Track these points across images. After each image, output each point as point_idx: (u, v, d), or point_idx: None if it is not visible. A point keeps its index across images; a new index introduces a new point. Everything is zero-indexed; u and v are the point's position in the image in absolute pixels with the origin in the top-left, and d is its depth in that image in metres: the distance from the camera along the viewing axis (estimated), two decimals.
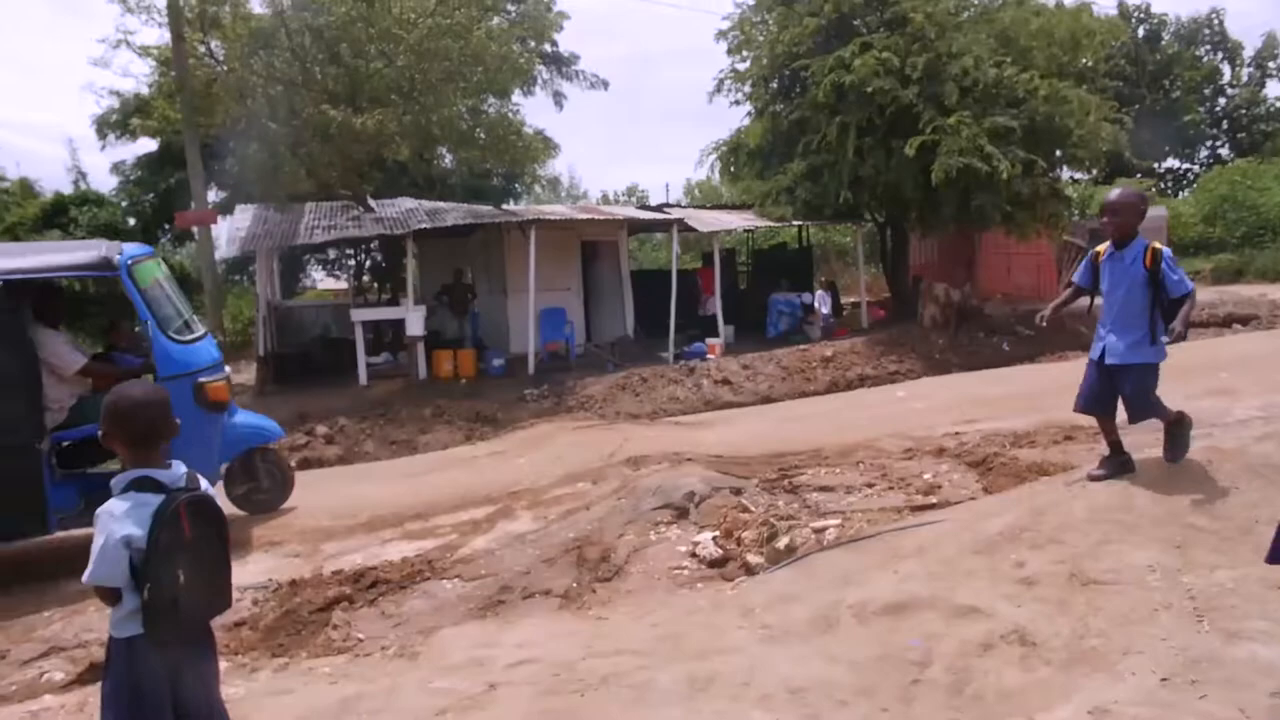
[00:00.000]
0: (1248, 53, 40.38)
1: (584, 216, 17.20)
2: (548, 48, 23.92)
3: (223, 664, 4.24)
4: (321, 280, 33.89)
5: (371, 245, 22.87)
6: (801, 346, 15.45)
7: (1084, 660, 3.14)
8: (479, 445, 10.53)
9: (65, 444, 6.74)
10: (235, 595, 5.56)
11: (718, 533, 5.79)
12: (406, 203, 18.14)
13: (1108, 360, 4.68)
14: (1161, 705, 2.81)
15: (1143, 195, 4.80)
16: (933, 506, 5.31)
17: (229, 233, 17.74)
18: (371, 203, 17.32)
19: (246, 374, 16.90)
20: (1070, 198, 23.22)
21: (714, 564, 5.48)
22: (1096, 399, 4.80)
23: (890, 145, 16.55)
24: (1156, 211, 25.55)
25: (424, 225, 15.67)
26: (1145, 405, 4.67)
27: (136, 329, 7.69)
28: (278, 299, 19.43)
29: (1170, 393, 8.32)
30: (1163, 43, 38.24)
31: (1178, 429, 4.63)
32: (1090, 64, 20.08)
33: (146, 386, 2.79)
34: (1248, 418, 6.94)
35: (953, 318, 16.23)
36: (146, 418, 2.66)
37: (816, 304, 18.35)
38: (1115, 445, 4.80)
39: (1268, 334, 15.13)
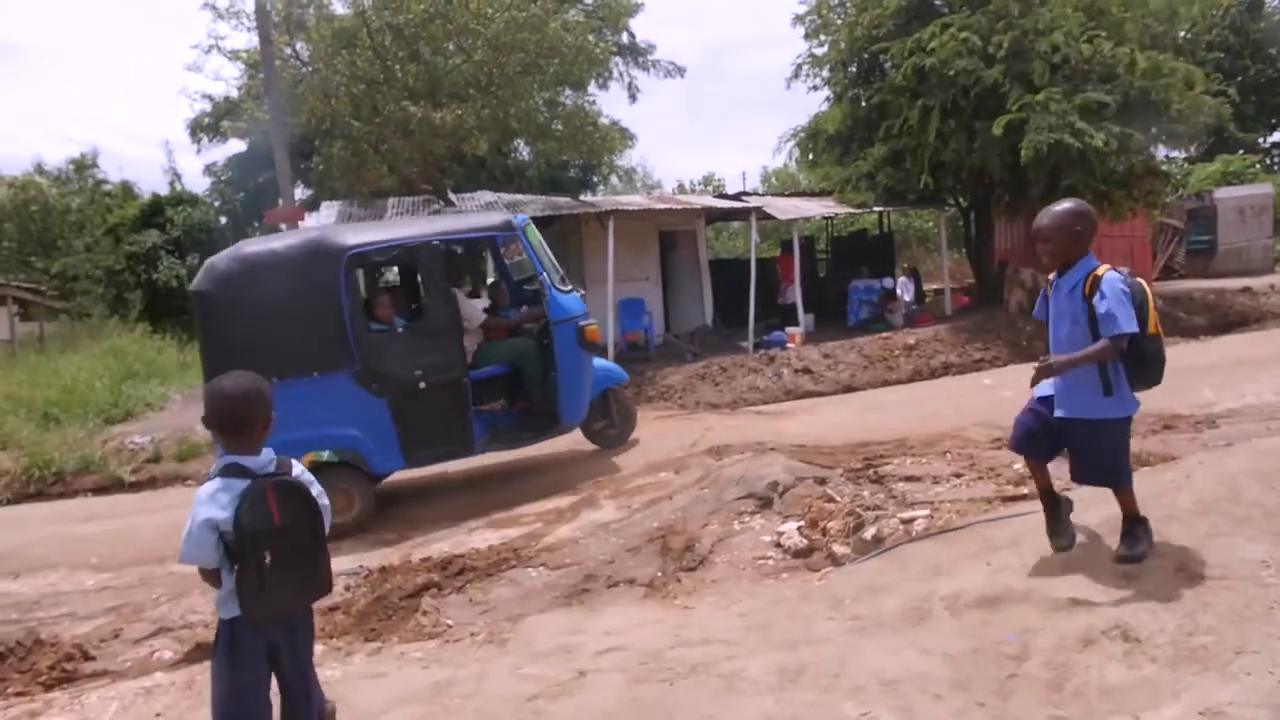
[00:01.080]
0: None
1: (661, 206, 17.18)
2: (623, 38, 23.92)
3: (318, 647, 4.37)
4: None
5: None
6: (883, 334, 15.18)
7: (1193, 658, 3.02)
8: (559, 436, 10.61)
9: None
10: None
11: (802, 523, 5.75)
12: (486, 196, 18.39)
13: (1056, 411, 3.77)
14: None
15: (1081, 211, 3.81)
16: (1024, 497, 5.16)
17: None
18: (452, 197, 17.59)
19: None
20: (1169, 175, 22.30)
21: (799, 554, 5.43)
22: (1030, 439, 3.89)
23: (974, 127, 16.11)
24: (1263, 189, 24.38)
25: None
26: (1098, 470, 3.79)
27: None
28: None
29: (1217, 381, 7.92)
30: (1266, 10, 36.31)
31: (1140, 528, 3.73)
32: (1189, 35, 19.23)
33: (239, 379, 2.90)
34: None
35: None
36: (233, 409, 2.83)
37: (899, 291, 18.01)
38: (1045, 492, 3.88)
39: None
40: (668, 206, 17.03)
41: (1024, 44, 15.73)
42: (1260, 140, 37.12)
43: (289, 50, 15.96)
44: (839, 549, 5.21)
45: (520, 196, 18.61)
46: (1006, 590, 3.59)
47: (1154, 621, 3.26)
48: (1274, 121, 37.28)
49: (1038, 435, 3.86)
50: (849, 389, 12.69)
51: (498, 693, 3.45)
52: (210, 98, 22.77)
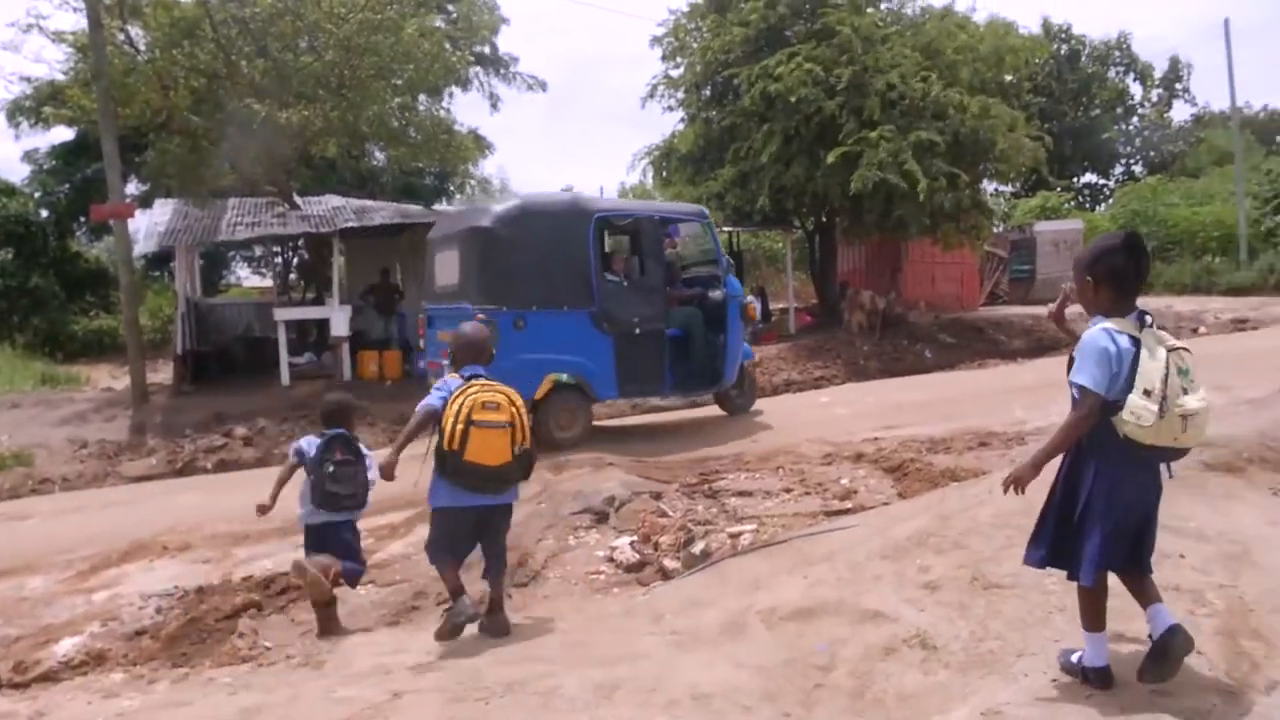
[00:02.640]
0: (1159, 73, 42.00)
1: None
2: (485, 49, 23.76)
3: (119, 676, 4.13)
4: (247, 278, 33.16)
5: (298, 243, 22.41)
6: None
7: (981, 663, 3.22)
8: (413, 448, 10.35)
9: None
10: (137, 604, 5.45)
11: (636, 537, 5.81)
12: (334, 200, 17.82)
13: None
14: (1049, 703, 2.90)
15: (483, 329, 4.38)
16: (847, 512, 5.40)
17: (147, 227, 17.24)
18: (297, 200, 16.96)
19: (164, 372, 16.43)
20: (992, 210, 23.86)
21: (631, 569, 5.49)
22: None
23: (816, 154, 16.80)
24: (1075, 224, 26.50)
25: (351, 224, 15.42)
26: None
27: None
28: (198, 296, 18.94)
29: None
30: (1081, 62, 39.53)
31: None
32: (1014, 80, 20.65)
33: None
34: None
35: (878, 325, 16.55)
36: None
37: None
38: None
39: None
40: None
41: (863, 79, 16.53)
42: (1075, 180, 40.31)
43: (122, 36, 15.00)
44: (670, 563, 5.30)
45: (370, 203, 18.12)
46: (820, 602, 3.73)
47: (950, 629, 3.45)
48: (1086, 164, 40.54)
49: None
50: (693, 404, 12.92)
51: (308, 717, 3.33)
52: (30, 80, 21.14)
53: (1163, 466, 3.00)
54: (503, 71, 25.10)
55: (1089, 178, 42.21)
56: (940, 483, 6.00)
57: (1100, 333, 2.85)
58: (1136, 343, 2.80)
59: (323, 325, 15.41)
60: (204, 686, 3.80)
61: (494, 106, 24.87)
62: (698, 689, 3.14)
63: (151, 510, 8.26)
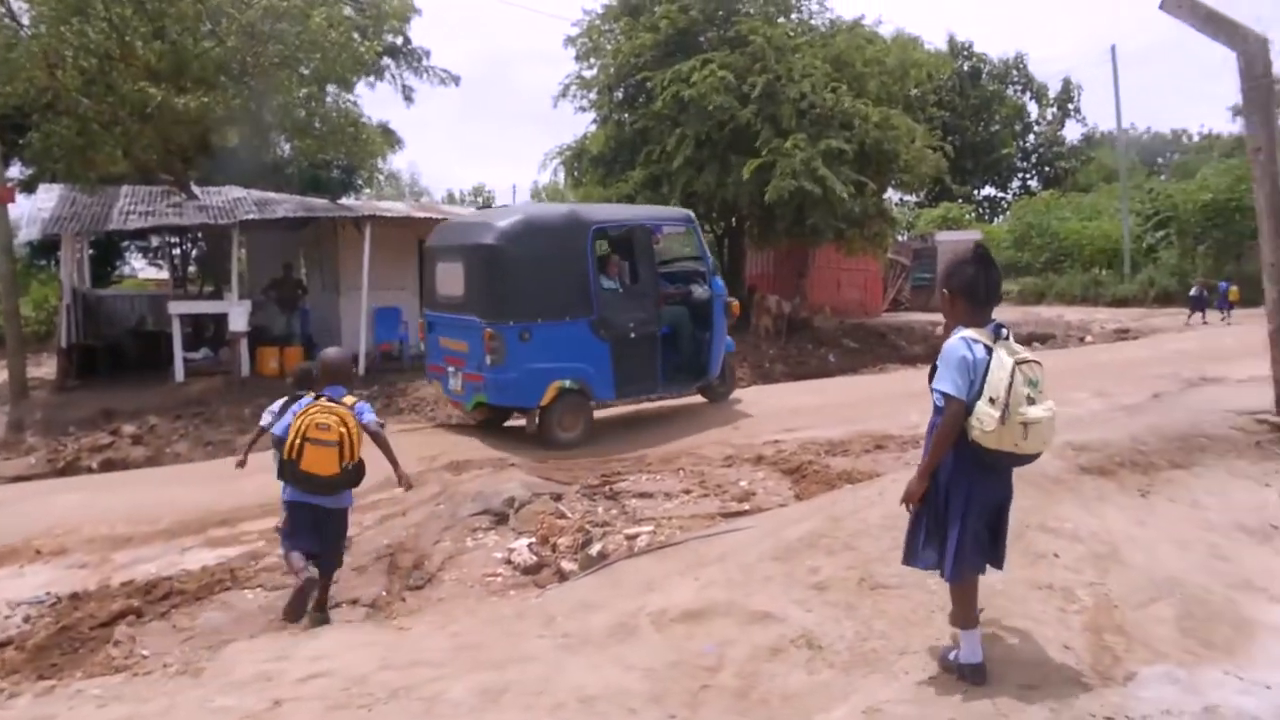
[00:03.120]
0: (1053, 93, 43.85)
1: (422, 215, 16.81)
2: (397, 40, 23.28)
3: None
4: (142, 269, 31.83)
5: (198, 234, 21.61)
6: None
7: (864, 661, 3.29)
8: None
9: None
10: (3, 613, 5.15)
11: (534, 539, 5.77)
12: (234, 191, 17.23)
13: None
14: (927, 703, 2.97)
15: (345, 357, 5.19)
16: (744, 513, 5.46)
17: (30, 213, 16.39)
18: (195, 189, 16.34)
19: (48, 367, 15.65)
20: (896, 218, 24.52)
21: (529, 571, 5.45)
22: None
23: (728, 160, 16.99)
24: (972, 235, 27.37)
25: (251, 216, 14.93)
26: None
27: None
28: (86, 287, 18.09)
29: None
30: (982, 80, 40.98)
31: None
32: (919, 94, 21.27)
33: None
34: None
35: (783, 329, 16.82)
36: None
37: None
38: None
39: (1063, 352, 16.41)
40: (428, 215, 16.68)
41: (776, 88, 16.79)
42: (976, 192, 41.76)
43: (2, 9, 14.21)
44: (567, 565, 5.27)
45: (273, 195, 17.58)
46: (710, 604, 3.76)
47: (836, 629, 3.52)
48: (986, 177, 42.05)
49: None
50: (602, 405, 12.91)
51: None
52: None
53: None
54: (415, 65, 24.64)
55: (989, 190, 43.83)
56: (837, 485, 6.12)
57: (960, 341, 3.01)
58: (990, 352, 2.95)
59: (220, 320, 14.88)
60: (70, 699, 3.60)
61: (407, 100, 24.39)
62: (584, 692, 3.13)
63: (28, 512, 7.83)
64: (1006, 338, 3.01)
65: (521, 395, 8.72)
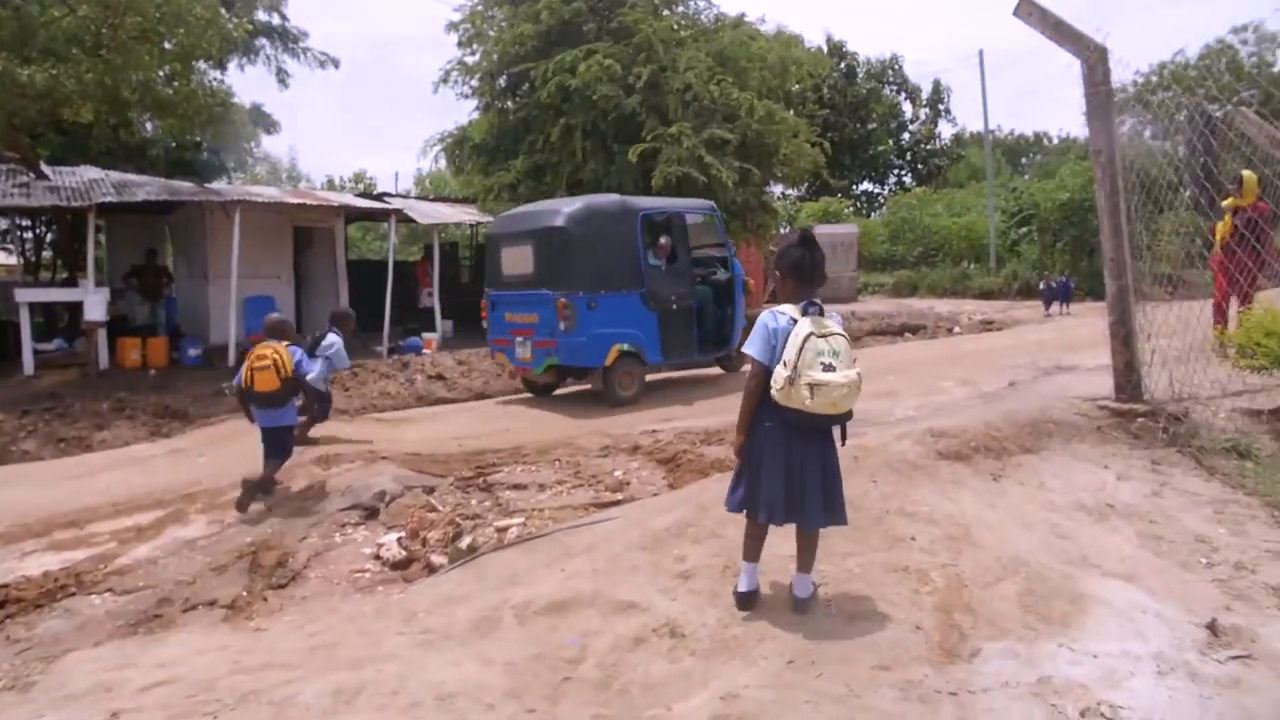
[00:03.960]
0: (925, 94, 45.60)
1: (295, 200, 16.22)
2: (272, 20, 22.37)
3: None
4: None
5: (50, 218, 20.30)
6: None
7: (725, 648, 3.32)
8: (160, 443, 9.60)
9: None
10: None
11: (404, 534, 5.64)
12: (90, 172, 16.23)
13: None
14: (784, 686, 3.02)
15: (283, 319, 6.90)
16: (617, 503, 5.46)
17: None
18: (46, 169, 15.32)
19: None
20: (777, 210, 25.01)
21: (398, 566, 5.32)
22: None
23: (613, 150, 16.99)
24: (850, 229, 28.25)
25: (109, 199, 14.09)
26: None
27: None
28: None
29: None
30: (858, 79, 42.23)
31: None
32: (799, 90, 21.73)
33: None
34: (905, 416, 7.76)
35: None
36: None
37: None
38: None
39: (932, 342, 17.07)
40: (302, 201, 16.12)
41: (661, 79, 16.87)
42: (854, 187, 43.03)
43: None
44: (437, 559, 5.16)
45: (132, 177, 16.64)
46: (575, 595, 3.74)
47: (699, 617, 3.55)
48: (863, 173, 43.37)
49: None
50: (482, 396, 12.74)
51: None
52: None
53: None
54: (291, 46, 23.73)
55: (866, 186, 45.22)
56: (710, 473, 6.17)
57: (767, 314, 3.47)
58: (795, 323, 3.37)
59: (76, 309, 14.02)
60: None
61: (282, 83, 23.46)
62: (442, 689, 3.06)
63: None
64: (818, 313, 3.40)
65: (590, 356, 10.06)
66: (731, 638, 3.39)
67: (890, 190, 44.32)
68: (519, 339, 10.56)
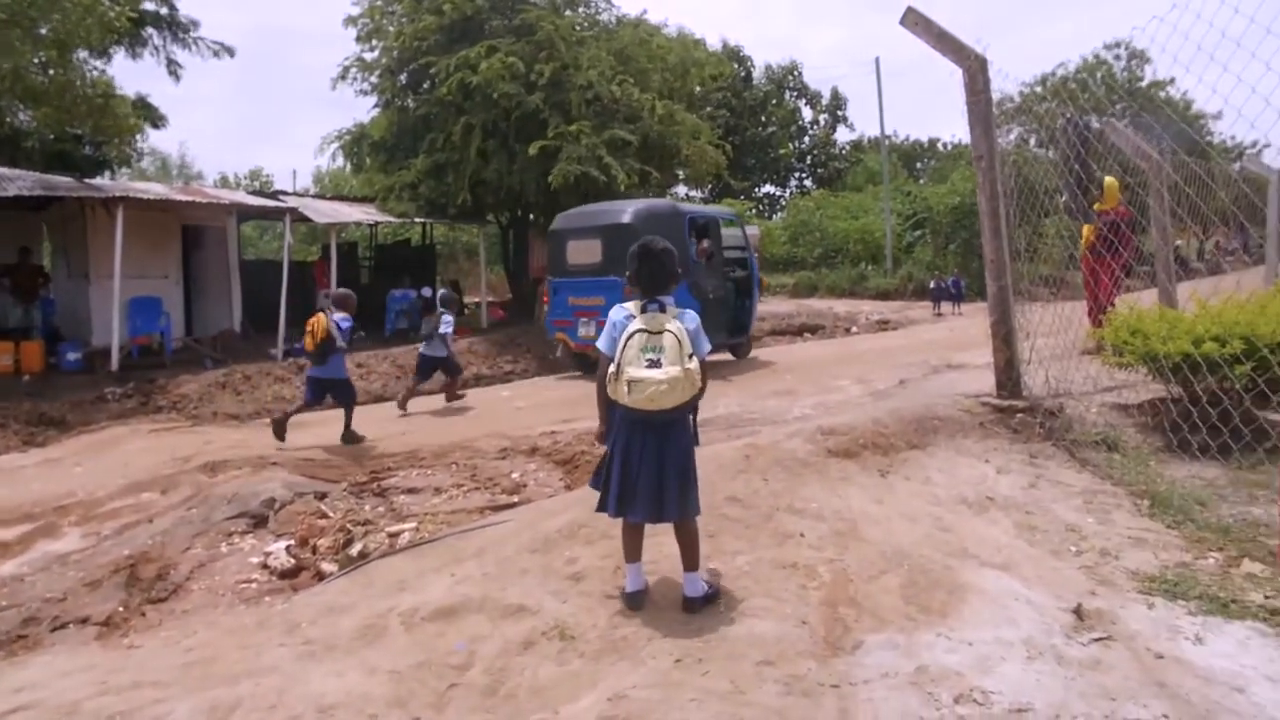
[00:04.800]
0: (825, 100, 46.65)
1: (184, 198, 15.59)
2: (161, 9, 21.42)
3: None
4: None
5: None
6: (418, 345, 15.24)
7: (614, 649, 3.32)
8: (32, 453, 9.10)
9: None
10: None
11: (293, 541, 5.48)
12: None
13: None
14: (671, 685, 3.04)
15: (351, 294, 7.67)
16: (512, 506, 5.42)
17: None
18: None
19: None
20: None
21: (286, 575, 5.17)
22: None
23: (514, 149, 16.86)
24: (751, 230, 28.61)
25: None
26: None
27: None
28: None
29: (741, 393, 9.24)
30: (757, 84, 42.94)
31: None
32: (700, 92, 21.93)
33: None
34: (801, 414, 7.91)
35: None
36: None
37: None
38: None
39: (830, 341, 17.46)
40: (191, 199, 15.51)
41: (563, 77, 16.81)
42: (756, 189, 43.70)
43: None
44: (327, 567, 5.04)
45: (4, 170, 15.69)
46: (464, 600, 3.69)
47: (589, 619, 3.55)
48: (765, 175, 44.09)
49: None
50: (380, 399, 12.50)
51: None
52: None
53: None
54: (182, 36, 22.77)
55: (768, 188, 45.98)
56: None
57: (616, 309, 3.65)
58: (632, 319, 3.54)
59: None
60: None
61: (173, 74, 22.47)
62: (323, 700, 2.98)
63: None
64: (659, 310, 3.53)
65: None
66: (621, 638, 3.39)
67: (791, 193, 45.22)
68: (582, 319, 11.90)
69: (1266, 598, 3.57)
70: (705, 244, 12.57)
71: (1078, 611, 3.51)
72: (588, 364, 12.46)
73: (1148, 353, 5.95)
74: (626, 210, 12.01)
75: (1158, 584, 3.78)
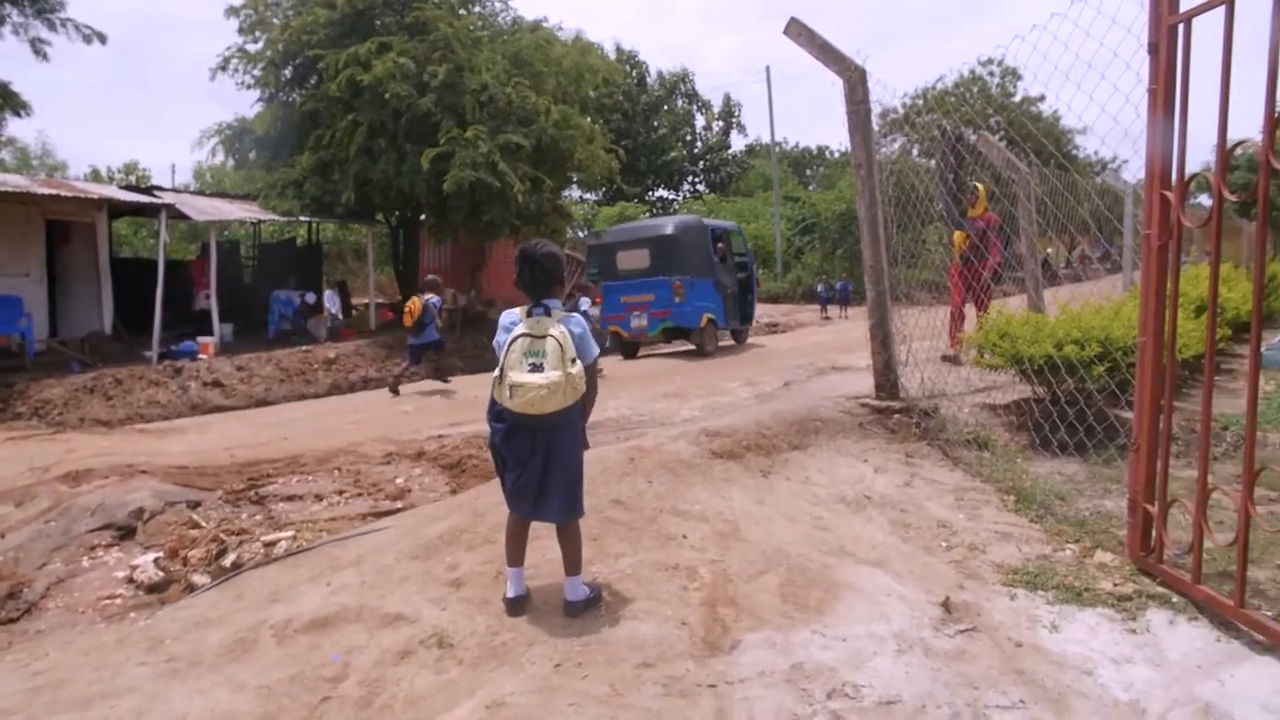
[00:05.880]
0: (718, 107, 47.35)
1: (47, 191, 14.76)
2: None
3: None
4: None
5: None
6: (304, 348, 14.80)
7: (494, 655, 3.29)
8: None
9: None
10: None
11: (162, 553, 5.24)
12: None
13: None
14: (550, 690, 3.03)
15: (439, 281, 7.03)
16: (394, 512, 5.31)
17: None
18: None
19: None
20: (571, 214, 25.20)
21: (154, 589, 4.93)
22: None
23: (404, 150, 16.55)
24: None
25: None
26: None
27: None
28: None
29: (630, 395, 9.28)
30: (651, 90, 43.29)
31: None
32: (595, 97, 21.97)
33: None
34: (690, 417, 7.99)
35: (459, 322, 16.67)
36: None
37: (325, 304, 17.73)
38: None
39: (722, 345, 17.68)
40: (55, 192, 14.68)
41: (458, 79, 16.58)
42: (650, 193, 44.03)
43: None
44: (199, 579, 4.83)
45: None
46: (340, 610, 3.60)
47: (469, 625, 3.50)
48: (659, 180, 44.47)
49: None
50: (263, 403, 12.12)
51: None
52: None
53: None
54: (46, 16, 21.45)
55: (662, 192, 46.36)
56: (494, 478, 6.12)
57: (505, 314, 3.69)
58: (516, 324, 3.57)
59: None
60: None
61: (39, 54, 21.10)
62: None
63: None
64: (544, 314, 3.54)
65: (693, 320, 14.52)
66: (500, 644, 3.36)
67: (684, 197, 45.73)
68: (634, 313, 14.76)
69: (1115, 585, 3.78)
70: (720, 246, 15.41)
71: (946, 605, 3.64)
72: (631, 350, 15.57)
73: (1015, 355, 6.24)
74: (668, 224, 15.07)
75: (1020, 576, 3.96)
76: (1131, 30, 3.93)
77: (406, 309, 11.46)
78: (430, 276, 12.38)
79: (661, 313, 14.31)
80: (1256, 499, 3.53)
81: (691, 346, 15.10)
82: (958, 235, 8.79)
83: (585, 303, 13.40)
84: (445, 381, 12.37)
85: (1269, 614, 3.32)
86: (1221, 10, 3.21)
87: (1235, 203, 3.51)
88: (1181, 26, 3.56)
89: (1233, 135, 3.22)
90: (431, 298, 11.44)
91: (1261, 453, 5.74)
